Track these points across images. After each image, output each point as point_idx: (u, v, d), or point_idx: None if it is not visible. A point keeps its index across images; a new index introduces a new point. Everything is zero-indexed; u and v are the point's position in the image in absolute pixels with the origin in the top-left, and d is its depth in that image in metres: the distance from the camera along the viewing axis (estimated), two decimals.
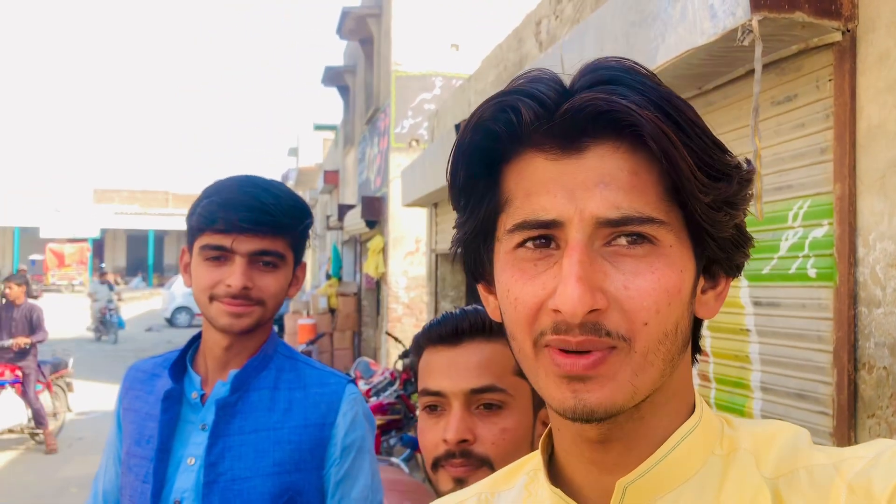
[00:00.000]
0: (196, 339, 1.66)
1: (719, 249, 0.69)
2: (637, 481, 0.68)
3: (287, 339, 14.63)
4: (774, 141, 3.18)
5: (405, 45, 12.82)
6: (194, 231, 1.55)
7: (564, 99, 0.65)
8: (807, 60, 3.02)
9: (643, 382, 0.65)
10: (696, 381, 3.79)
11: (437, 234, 9.92)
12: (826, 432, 2.90)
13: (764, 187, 3.14)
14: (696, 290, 0.69)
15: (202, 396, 1.57)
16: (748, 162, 0.70)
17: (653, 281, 0.64)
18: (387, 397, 7.84)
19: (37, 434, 9.33)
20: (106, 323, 20.65)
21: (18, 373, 8.98)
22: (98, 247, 44.96)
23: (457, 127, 6.86)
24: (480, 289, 0.78)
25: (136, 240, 46.70)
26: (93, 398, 11.88)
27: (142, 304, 31.99)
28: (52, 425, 9.40)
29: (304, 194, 26.29)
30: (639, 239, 0.64)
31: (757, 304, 3.34)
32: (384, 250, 12.79)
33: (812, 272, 2.99)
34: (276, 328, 1.72)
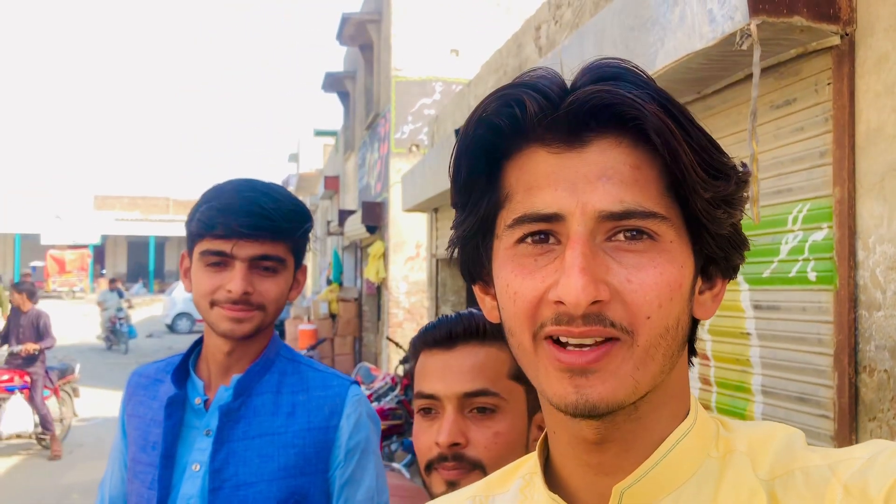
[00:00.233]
0: (198, 344, 1.65)
1: (717, 248, 0.69)
2: (633, 486, 0.68)
3: (288, 344, 14.59)
4: (774, 145, 3.18)
5: (405, 50, 12.84)
6: (194, 236, 1.55)
7: (567, 93, 0.65)
8: (805, 64, 3.03)
9: (644, 377, 0.65)
10: (697, 384, 3.79)
11: (437, 239, 9.92)
12: (827, 436, 2.90)
13: (763, 191, 3.14)
14: (694, 289, 0.69)
15: (205, 402, 1.57)
16: (744, 165, 0.70)
17: (655, 275, 0.64)
18: (388, 402, 7.84)
19: (44, 439, 9.38)
20: (116, 332, 20.02)
21: (27, 378, 9.05)
22: (99, 253, 44.96)
23: (457, 132, 6.84)
24: (477, 290, 0.78)
25: (136, 246, 46.69)
26: (94, 404, 11.87)
27: (143, 310, 31.95)
28: (58, 430, 9.45)
29: (305, 200, 26.30)
30: (640, 234, 0.65)
31: (757, 307, 3.34)
32: (385, 255, 12.78)
33: (812, 276, 2.99)
34: (276, 333, 1.71)
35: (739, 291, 3.43)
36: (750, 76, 3.10)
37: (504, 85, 0.68)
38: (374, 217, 13.16)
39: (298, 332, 15.09)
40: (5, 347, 9.21)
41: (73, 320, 26.19)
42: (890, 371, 2.62)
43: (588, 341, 0.63)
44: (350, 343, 15.36)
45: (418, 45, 12.88)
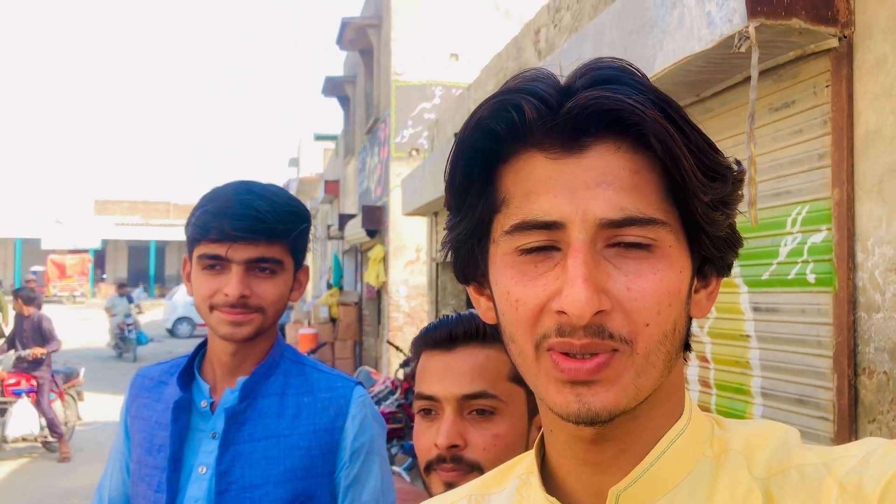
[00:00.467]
0: (203, 347, 1.65)
1: (714, 249, 0.69)
2: (629, 488, 0.68)
3: None
4: (772, 147, 3.19)
5: (405, 55, 12.86)
6: (191, 241, 1.55)
7: (566, 97, 0.64)
8: (804, 67, 3.04)
9: (645, 383, 0.65)
10: (697, 387, 3.79)
11: (437, 243, 9.91)
12: (827, 437, 2.90)
13: (762, 193, 3.15)
14: (691, 290, 0.69)
15: (211, 404, 1.57)
16: (738, 163, 0.70)
17: (654, 282, 0.64)
18: (388, 406, 7.83)
19: (49, 443, 9.47)
20: (125, 339, 19.16)
21: (33, 382, 9.19)
22: (99, 258, 44.96)
23: (456, 136, 6.86)
24: (471, 290, 0.78)
25: (137, 250, 46.69)
26: (94, 408, 11.86)
27: (144, 314, 31.95)
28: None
29: (305, 204, 26.18)
30: (640, 240, 0.64)
31: (756, 309, 3.34)
32: (385, 259, 12.79)
33: (811, 277, 2.99)
34: (280, 334, 1.71)
35: (739, 294, 3.43)
36: (748, 79, 3.10)
37: (501, 88, 0.67)
38: (375, 221, 13.17)
39: (298, 336, 15.09)
40: (11, 352, 9.36)
41: (73, 325, 26.15)
42: (889, 373, 2.62)
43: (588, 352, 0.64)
44: (350, 347, 15.35)
45: (418, 49, 12.90)
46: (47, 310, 10.18)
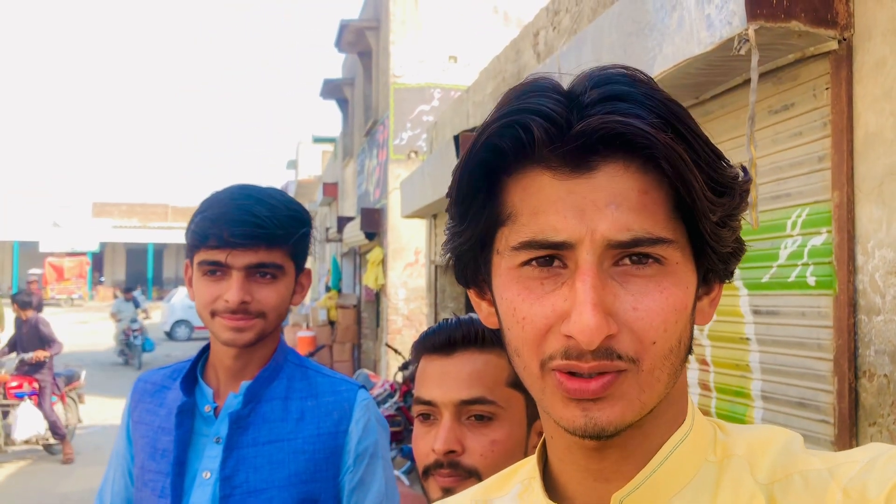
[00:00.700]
0: (205, 351, 1.64)
1: (719, 261, 0.69)
2: (632, 494, 0.68)
3: None
4: (772, 149, 3.18)
5: (403, 57, 12.86)
6: (191, 247, 1.55)
7: (574, 115, 0.64)
8: (803, 69, 3.03)
9: (650, 398, 0.65)
10: (697, 390, 3.79)
11: (436, 246, 9.92)
12: (828, 441, 2.89)
13: (762, 196, 3.15)
14: (695, 301, 0.69)
15: (215, 409, 1.56)
16: (744, 170, 0.69)
17: (661, 301, 0.64)
18: (387, 409, 7.82)
19: (50, 446, 9.59)
20: (131, 345, 18.37)
21: (35, 385, 9.33)
22: (97, 260, 44.93)
23: (455, 138, 6.87)
24: (472, 294, 0.78)
25: (135, 253, 46.67)
26: (90, 412, 11.84)
27: (148, 319, 31.88)
28: None
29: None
30: (646, 257, 0.64)
31: (756, 312, 3.34)
32: (384, 262, 12.78)
33: (811, 280, 2.99)
34: (283, 338, 1.71)
35: (739, 297, 3.43)
36: (748, 81, 3.10)
37: (508, 103, 0.66)
38: (373, 223, 13.17)
39: (297, 339, 15.08)
40: (13, 355, 9.53)
41: (70, 328, 26.08)
42: (890, 376, 2.61)
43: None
44: (349, 350, 15.35)
45: (417, 51, 12.90)
46: (46, 312, 10.24)
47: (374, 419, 1.62)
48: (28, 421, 9.17)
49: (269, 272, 1.53)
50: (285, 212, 1.55)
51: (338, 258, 18.76)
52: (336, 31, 15.38)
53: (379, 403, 8.02)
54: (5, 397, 9.30)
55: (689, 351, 0.70)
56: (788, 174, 3.11)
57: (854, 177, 2.77)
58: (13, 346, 9.63)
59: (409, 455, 6.66)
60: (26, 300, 9.57)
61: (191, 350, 20.35)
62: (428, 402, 1.23)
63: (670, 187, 0.64)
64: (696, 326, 0.71)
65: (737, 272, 3.47)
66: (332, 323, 16.16)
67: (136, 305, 18.92)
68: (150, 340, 18.80)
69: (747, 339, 3.40)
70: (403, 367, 8.23)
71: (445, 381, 1.21)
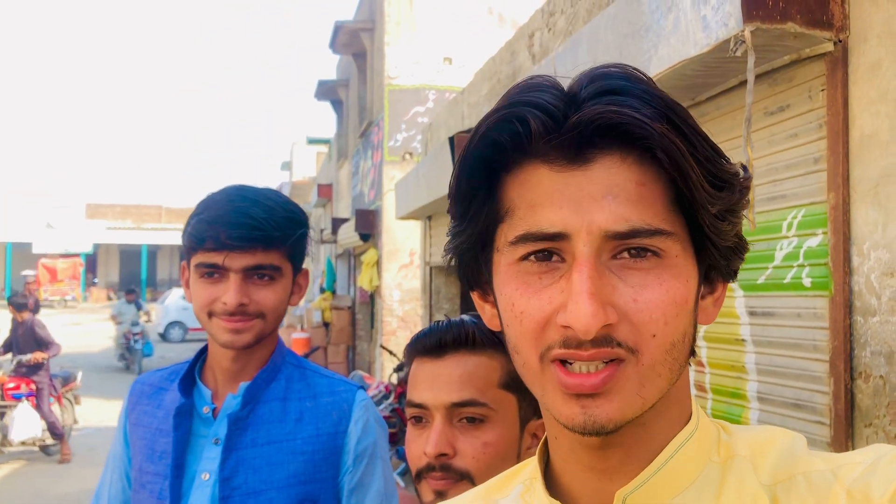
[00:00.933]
0: (203, 352, 1.64)
1: (721, 257, 0.69)
2: (636, 491, 0.68)
3: None
4: (768, 151, 3.19)
5: (398, 58, 12.86)
6: (188, 249, 1.55)
7: (571, 108, 0.64)
8: (799, 71, 3.04)
9: (651, 393, 0.65)
10: (693, 391, 3.79)
11: (431, 247, 9.91)
12: (823, 442, 2.90)
13: (758, 197, 3.15)
14: (698, 298, 0.69)
15: (213, 410, 1.56)
16: (744, 168, 0.69)
17: (661, 293, 0.63)
18: (382, 411, 7.82)
19: (47, 447, 9.64)
20: (131, 349, 17.58)
21: (32, 386, 9.41)
22: (91, 262, 44.81)
23: (451, 140, 6.87)
24: (475, 297, 0.78)
25: (129, 254, 46.56)
26: (85, 413, 11.80)
27: (150, 323, 31.74)
28: None
29: None
30: (645, 251, 0.64)
31: (752, 314, 3.34)
32: (378, 263, 12.77)
33: (807, 282, 2.99)
34: (281, 339, 1.70)
35: (734, 298, 3.43)
36: (743, 83, 3.11)
37: (506, 98, 0.66)
38: (368, 225, 13.16)
39: (292, 340, 15.05)
40: (9, 356, 9.62)
41: (64, 329, 25.95)
42: (885, 377, 2.62)
43: (594, 364, 0.63)
44: (343, 351, 15.33)
45: (412, 53, 12.90)
46: (39, 314, 10.27)
47: (372, 420, 1.62)
48: (25, 422, 9.23)
49: (267, 274, 1.53)
50: (282, 213, 1.54)
51: (332, 259, 18.74)
52: (330, 33, 15.38)
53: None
54: (3, 399, 9.37)
55: (693, 350, 0.70)
56: (784, 176, 3.11)
57: (850, 178, 2.77)
58: (8, 347, 9.72)
59: (404, 457, 6.65)
60: (21, 302, 9.67)
61: (185, 352, 20.31)
62: (419, 405, 1.23)
63: (668, 180, 0.64)
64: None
65: None
66: (326, 324, 16.15)
67: (139, 308, 18.23)
68: (150, 344, 18.26)
69: (743, 340, 3.40)
70: (398, 368, 8.22)
71: (436, 383, 1.21)
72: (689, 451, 0.69)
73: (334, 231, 16.48)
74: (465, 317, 1.26)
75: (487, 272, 0.72)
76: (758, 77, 2.91)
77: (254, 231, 1.49)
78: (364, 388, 1.68)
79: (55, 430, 9.42)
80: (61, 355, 10.19)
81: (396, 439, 7.70)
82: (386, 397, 8.20)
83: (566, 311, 0.62)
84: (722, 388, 3.59)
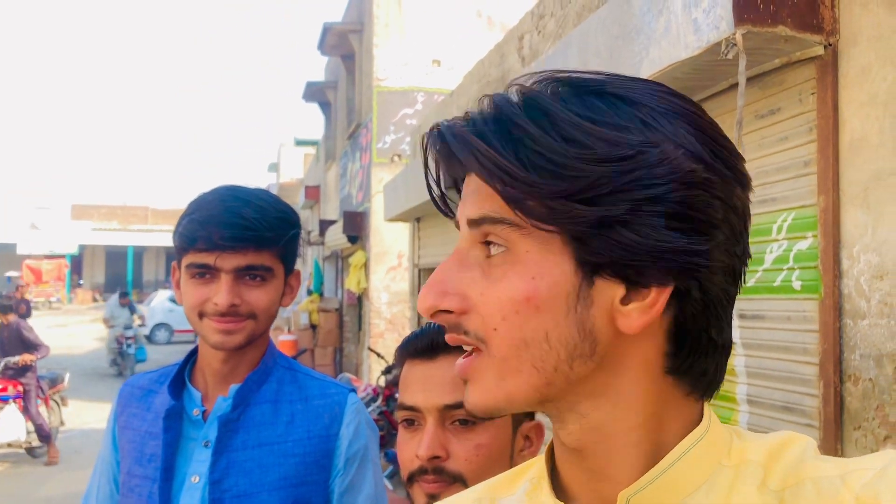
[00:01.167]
0: (193, 355, 1.62)
1: (607, 251, 0.63)
2: (640, 493, 0.67)
3: None
4: (758, 154, 3.20)
5: (387, 60, 12.85)
6: (179, 249, 1.53)
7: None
8: (789, 74, 3.05)
9: (515, 388, 0.65)
10: None
11: (420, 249, 9.90)
12: None
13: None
14: (583, 298, 0.64)
15: (203, 413, 1.54)
16: (634, 146, 0.63)
17: (499, 289, 0.65)
18: (369, 413, 7.79)
19: (33, 449, 9.60)
20: (124, 354, 16.91)
21: (20, 388, 9.38)
22: (76, 263, 44.54)
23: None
24: None
25: (114, 256, 46.30)
26: (70, 416, 11.71)
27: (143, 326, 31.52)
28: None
29: None
30: (495, 244, 0.66)
31: (742, 316, 3.35)
32: (366, 265, 12.75)
33: (797, 284, 3.00)
34: (272, 341, 1.69)
35: None
36: (734, 86, 3.11)
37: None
38: (356, 227, 13.14)
39: (279, 342, 15.00)
40: None
41: (49, 331, 25.73)
42: (875, 380, 2.63)
43: (465, 349, 0.68)
44: (330, 354, 15.29)
45: (400, 55, 12.90)
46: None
47: (364, 423, 1.61)
48: (10, 424, 9.18)
49: (259, 274, 1.51)
50: (274, 213, 1.53)
51: (319, 261, 18.70)
52: (319, 34, 15.34)
53: None
54: None
55: (591, 351, 0.65)
56: (774, 179, 3.12)
57: (840, 181, 2.78)
58: None
59: (392, 459, 6.63)
60: (6, 304, 9.70)
61: (171, 354, 20.18)
62: (411, 408, 1.22)
63: None
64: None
65: None
66: (313, 327, 16.11)
67: (132, 311, 17.68)
68: (143, 349, 17.62)
69: (733, 342, 3.40)
70: (386, 371, 8.21)
71: (429, 385, 1.21)
72: (697, 454, 0.68)
73: (322, 233, 16.45)
74: None
75: None
76: (748, 80, 2.92)
77: (246, 231, 1.47)
78: (355, 390, 1.67)
79: (42, 432, 9.39)
80: (47, 357, 10.13)
81: (384, 442, 7.68)
82: (374, 400, 8.17)
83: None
84: None
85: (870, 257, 2.64)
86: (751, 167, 3.25)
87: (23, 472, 9.15)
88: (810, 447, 0.69)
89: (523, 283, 0.64)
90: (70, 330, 27.31)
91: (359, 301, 13.93)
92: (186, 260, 1.50)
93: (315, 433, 1.55)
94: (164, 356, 19.79)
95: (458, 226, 0.71)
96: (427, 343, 1.23)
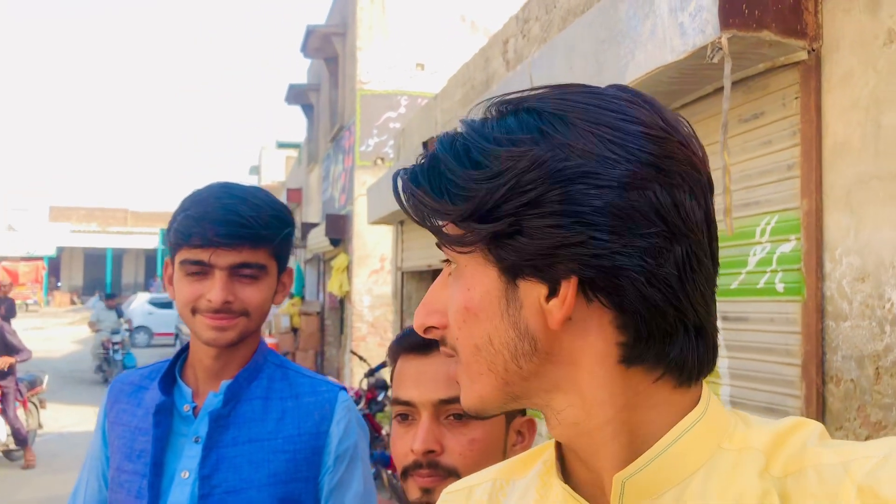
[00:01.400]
0: (184, 351, 1.62)
1: (517, 255, 0.66)
2: (635, 476, 0.67)
3: None
4: (742, 158, 3.23)
5: (370, 63, 12.85)
6: (173, 246, 1.52)
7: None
8: (773, 79, 3.08)
9: (484, 389, 0.71)
10: None
11: (403, 252, 9.89)
12: None
13: (732, 203, 3.18)
14: (512, 301, 0.68)
15: (194, 409, 1.54)
16: (517, 155, 0.66)
17: (453, 303, 0.72)
18: None
19: (10, 452, 9.45)
20: (110, 360, 16.08)
21: None
22: (54, 265, 44.11)
23: (424, 145, 6.85)
24: None
25: (93, 258, 45.92)
26: (47, 419, 11.57)
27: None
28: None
29: None
30: (451, 263, 0.72)
31: (725, 318, 3.37)
32: (348, 268, 12.72)
33: (780, 287, 3.03)
34: (263, 339, 1.69)
35: None
36: (718, 90, 3.14)
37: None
38: (338, 230, 13.10)
39: None
40: None
41: (25, 334, 25.42)
42: (856, 381, 2.66)
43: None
44: (312, 357, 15.24)
45: (384, 58, 12.90)
46: None
47: (354, 421, 1.61)
48: None
49: (253, 272, 1.51)
50: (269, 211, 1.53)
51: (301, 265, 18.63)
52: (302, 37, 15.31)
53: None
54: None
55: (533, 348, 0.68)
56: (758, 182, 3.15)
57: (822, 185, 2.81)
58: None
59: (376, 460, 6.62)
60: None
61: (151, 357, 19.99)
62: (406, 403, 1.22)
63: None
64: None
65: None
66: (295, 330, 16.03)
67: (119, 314, 16.99)
68: (131, 355, 16.56)
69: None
70: (369, 374, 8.18)
71: (423, 380, 1.21)
72: (693, 437, 0.68)
73: (304, 236, 16.38)
74: None
75: None
76: (733, 85, 2.95)
77: (241, 229, 1.47)
78: (346, 389, 1.67)
79: (19, 436, 9.25)
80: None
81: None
82: (356, 403, 8.14)
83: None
84: None
85: (852, 260, 2.68)
86: (734, 171, 3.29)
87: (0, 475, 9.03)
88: (816, 433, 0.70)
89: (462, 295, 0.70)
90: (48, 333, 27.02)
91: (341, 304, 13.89)
92: (180, 256, 1.50)
93: (305, 430, 1.55)
94: (145, 359, 19.61)
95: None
96: (421, 338, 1.23)
